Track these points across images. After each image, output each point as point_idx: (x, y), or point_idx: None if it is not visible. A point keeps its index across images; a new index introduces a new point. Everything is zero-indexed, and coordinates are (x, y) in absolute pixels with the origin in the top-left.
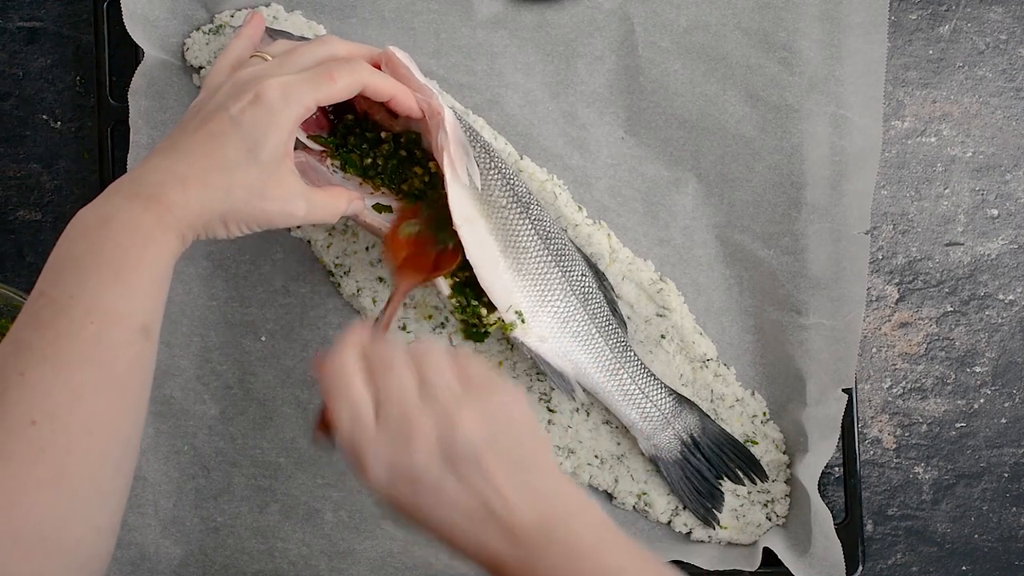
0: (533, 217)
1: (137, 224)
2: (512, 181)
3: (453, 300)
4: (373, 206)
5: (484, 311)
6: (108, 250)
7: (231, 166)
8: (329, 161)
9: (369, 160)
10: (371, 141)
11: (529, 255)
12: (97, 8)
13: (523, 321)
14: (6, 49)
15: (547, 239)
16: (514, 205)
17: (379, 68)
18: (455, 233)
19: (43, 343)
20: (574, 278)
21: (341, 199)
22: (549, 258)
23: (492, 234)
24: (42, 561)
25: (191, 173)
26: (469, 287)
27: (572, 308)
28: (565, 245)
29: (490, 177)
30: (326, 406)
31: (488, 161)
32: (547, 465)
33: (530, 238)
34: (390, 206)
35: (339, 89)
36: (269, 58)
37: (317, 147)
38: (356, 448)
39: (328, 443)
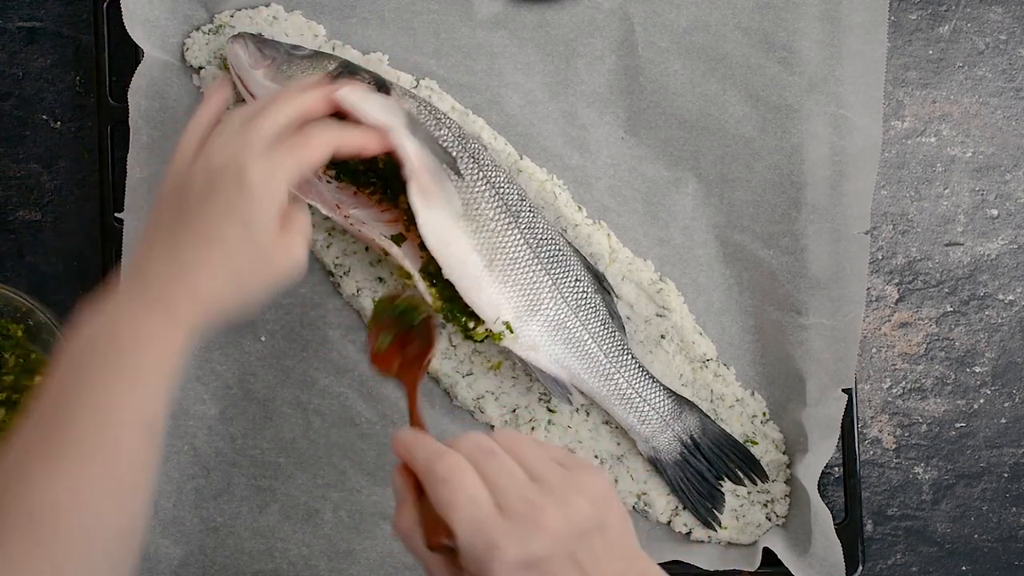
0: (523, 225)
1: (144, 328)
2: (502, 189)
3: (439, 313)
4: (391, 237)
5: (471, 323)
6: (113, 351)
7: (233, 252)
8: (323, 172)
9: (362, 167)
10: None
11: (517, 266)
12: (97, 8)
13: (511, 331)
14: (6, 49)
15: (537, 248)
16: (502, 216)
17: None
18: (424, 317)
19: (46, 441)
20: (566, 285)
21: (352, 141)
22: (539, 267)
23: (476, 250)
24: None
25: (197, 264)
26: (454, 300)
27: (563, 316)
28: (559, 251)
29: (477, 189)
30: (424, 508)
31: (476, 172)
32: (636, 544)
33: (518, 248)
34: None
35: (318, 157)
36: (237, 120)
37: None
38: (486, 536)
39: (446, 545)
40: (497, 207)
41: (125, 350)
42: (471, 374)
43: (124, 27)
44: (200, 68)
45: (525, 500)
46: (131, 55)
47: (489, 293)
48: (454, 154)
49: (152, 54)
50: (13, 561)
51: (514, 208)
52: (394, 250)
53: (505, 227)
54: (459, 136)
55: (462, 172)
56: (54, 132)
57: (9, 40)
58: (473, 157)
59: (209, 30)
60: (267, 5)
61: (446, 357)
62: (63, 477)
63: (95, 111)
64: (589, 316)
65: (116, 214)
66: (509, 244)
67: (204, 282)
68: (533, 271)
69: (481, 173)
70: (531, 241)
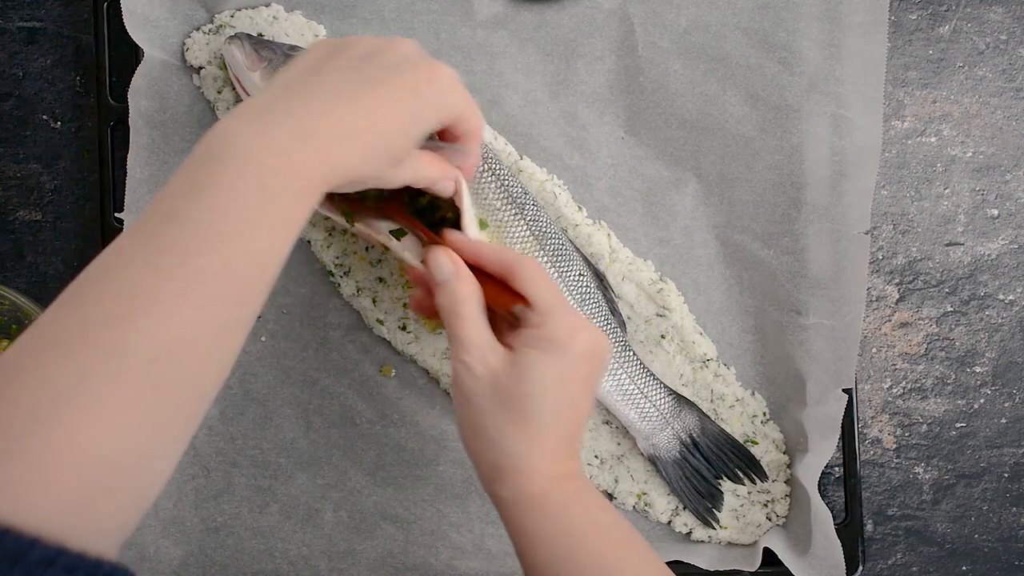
0: (528, 218)
1: (309, 176)
2: (507, 182)
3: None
4: (391, 232)
5: None
6: (280, 195)
7: (391, 133)
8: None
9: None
10: None
11: None
12: (97, 8)
13: None
14: (6, 49)
15: (542, 240)
16: (508, 207)
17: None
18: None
19: (185, 276)
20: (570, 279)
21: (441, 173)
22: (545, 260)
23: (487, 237)
24: (119, 499)
25: (362, 127)
26: None
27: None
28: (562, 246)
29: (484, 180)
30: (515, 285)
31: (481, 164)
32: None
33: (525, 241)
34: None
35: (476, 121)
36: None
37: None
38: (575, 317)
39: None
40: (503, 199)
41: (279, 194)
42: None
43: (124, 27)
44: (200, 68)
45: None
46: (131, 55)
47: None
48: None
49: (152, 54)
50: (123, 405)
51: (519, 201)
52: (394, 244)
53: (512, 218)
54: None
55: None
56: (54, 132)
57: (9, 40)
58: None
59: (209, 30)
60: (267, 5)
61: (446, 357)
62: (195, 319)
63: (95, 111)
64: (593, 311)
65: (116, 214)
66: (516, 236)
67: (359, 151)
68: (539, 263)
69: (486, 165)
70: (537, 234)
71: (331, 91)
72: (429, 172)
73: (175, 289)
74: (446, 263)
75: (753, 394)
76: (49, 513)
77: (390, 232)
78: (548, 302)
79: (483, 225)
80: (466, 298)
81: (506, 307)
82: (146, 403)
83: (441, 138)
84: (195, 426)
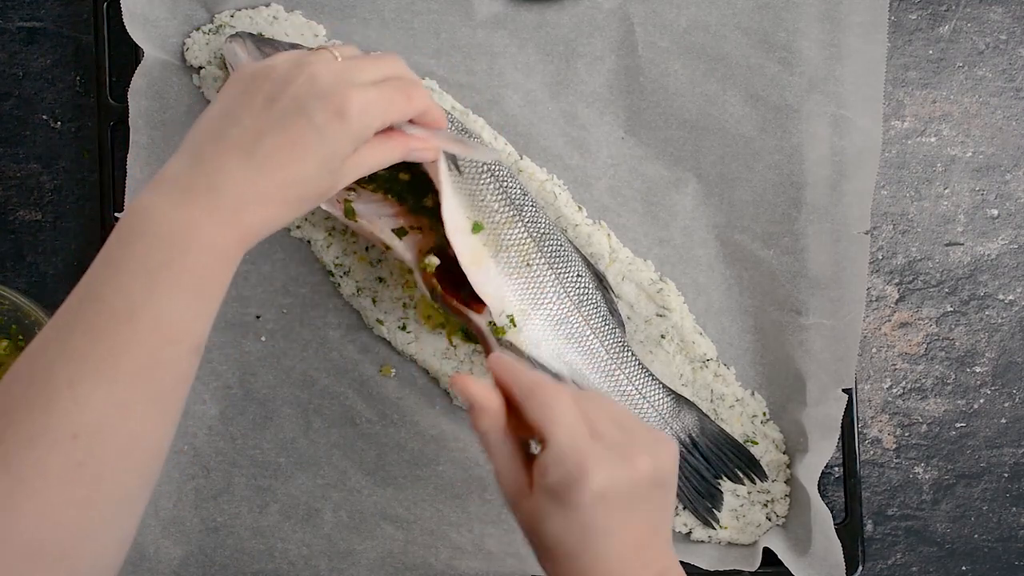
0: (527, 219)
1: (219, 245)
2: (505, 184)
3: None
4: (393, 230)
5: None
6: (187, 268)
7: (309, 179)
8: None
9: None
10: None
11: (521, 258)
12: (97, 8)
13: (515, 325)
14: (6, 49)
15: (541, 242)
16: (506, 208)
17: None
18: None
19: (97, 354)
20: (568, 280)
21: (387, 149)
22: (543, 261)
23: (482, 240)
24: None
25: (271, 189)
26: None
27: (566, 311)
28: (561, 247)
29: (482, 181)
30: (527, 416)
31: (479, 164)
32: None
33: (522, 241)
34: (403, 227)
35: (412, 110)
36: (337, 55)
37: None
38: (581, 458)
39: (526, 444)
40: (501, 200)
41: (200, 268)
42: (471, 374)
43: (124, 27)
44: (200, 68)
45: (620, 437)
46: (131, 55)
47: (496, 285)
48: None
49: (152, 54)
50: (51, 483)
51: (517, 203)
52: (396, 243)
53: (509, 219)
54: (461, 131)
55: (462, 167)
56: (54, 132)
57: (9, 40)
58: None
59: (209, 30)
60: (267, 5)
61: (446, 357)
62: (115, 397)
63: (95, 111)
64: (591, 312)
65: (116, 214)
66: (514, 237)
67: (276, 208)
68: (537, 265)
69: (484, 166)
70: (535, 235)
71: (240, 147)
72: (375, 157)
73: (88, 370)
74: (462, 392)
75: (753, 394)
76: None
77: (392, 231)
78: (559, 441)
79: (478, 228)
80: (485, 430)
81: (527, 437)
82: (70, 483)
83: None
84: (137, 499)
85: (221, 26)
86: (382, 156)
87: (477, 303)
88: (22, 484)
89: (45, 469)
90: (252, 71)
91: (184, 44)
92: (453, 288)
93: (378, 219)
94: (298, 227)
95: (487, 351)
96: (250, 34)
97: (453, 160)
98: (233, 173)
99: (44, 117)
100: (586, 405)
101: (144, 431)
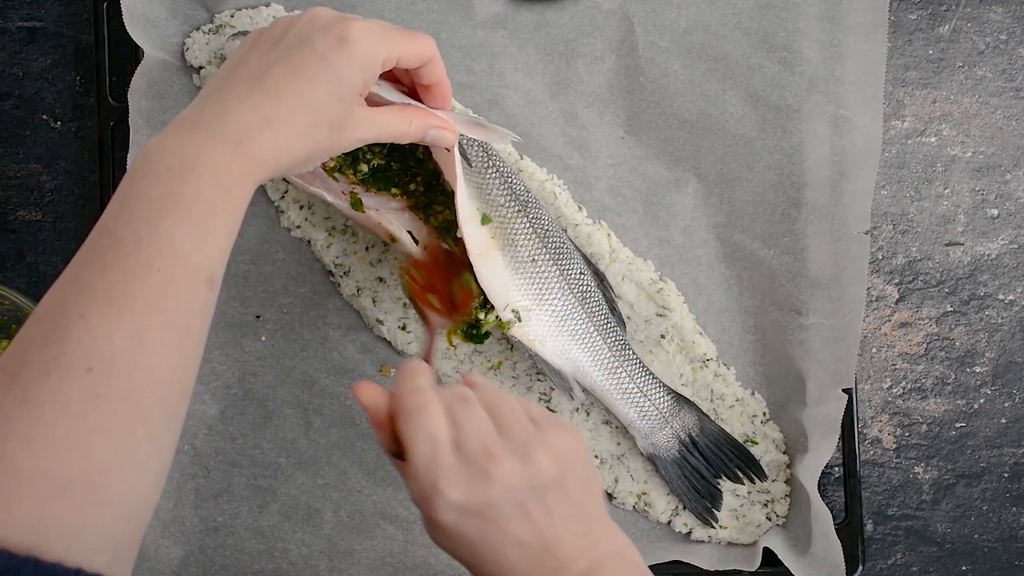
0: (531, 216)
1: (223, 170)
2: (510, 180)
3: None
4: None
5: (482, 313)
6: (188, 194)
7: (317, 105)
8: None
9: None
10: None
11: (527, 254)
12: (97, 8)
13: (520, 320)
14: (6, 49)
15: (545, 238)
16: (512, 203)
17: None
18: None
19: (107, 285)
20: (572, 277)
21: (405, 120)
22: (547, 257)
23: (490, 233)
24: (91, 511)
25: (278, 114)
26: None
27: (570, 307)
28: (564, 244)
29: (488, 176)
30: (397, 430)
31: (486, 160)
32: (600, 509)
33: (528, 237)
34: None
35: (417, 49)
36: None
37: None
38: (433, 476)
39: (396, 465)
40: (507, 195)
41: (204, 194)
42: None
43: (124, 27)
44: (200, 68)
45: (483, 448)
46: (131, 55)
47: (502, 279)
48: (463, 143)
49: (152, 54)
50: (70, 414)
51: (522, 199)
52: (403, 234)
53: (515, 214)
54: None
55: (471, 160)
56: (54, 132)
57: (9, 40)
58: (481, 145)
59: (209, 30)
60: (267, 5)
61: (446, 357)
62: (127, 327)
63: (95, 111)
64: (594, 309)
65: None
66: (520, 232)
67: (285, 134)
68: (542, 261)
69: (490, 161)
70: (539, 231)
71: (248, 80)
72: (392, 124)
73: (99, 301)
74: (359, 403)
75: (753, 394)
76: (15, 525)
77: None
78: (414, 457)
79: (486, 220)
80: (382, 446)
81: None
82: (89, 412)
83: (412, 94)
84: (162, 435)
85: (221, 26)
86: (400, 125)
87: (448, 305)
88: (42, 414)
89: (63, 398)
90: (259, 29)
91: (184, 44)
92: (430, 285)
93: (384, 212)
94: (298, 227)
95: (425, 358)
96: None
97: (463, 151)
98: (240, 103)
99: (44, 117)
100: (461, 413)
101: (162, 362)
